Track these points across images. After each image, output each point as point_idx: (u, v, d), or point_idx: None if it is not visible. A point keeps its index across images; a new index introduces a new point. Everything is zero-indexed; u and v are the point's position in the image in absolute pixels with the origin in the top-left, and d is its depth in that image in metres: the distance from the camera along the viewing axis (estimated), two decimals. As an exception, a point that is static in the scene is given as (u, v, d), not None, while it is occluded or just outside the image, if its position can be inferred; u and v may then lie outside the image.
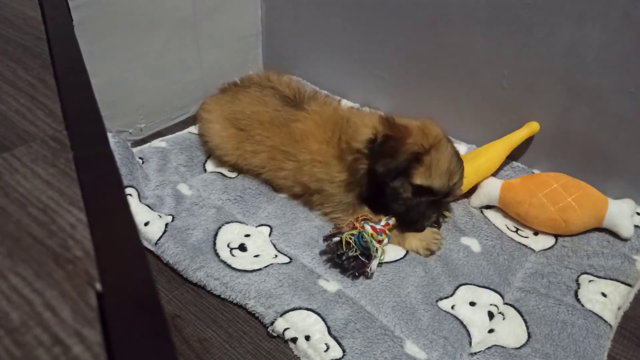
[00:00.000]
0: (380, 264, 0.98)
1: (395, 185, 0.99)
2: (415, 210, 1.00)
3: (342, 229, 0.97)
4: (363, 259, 0.93)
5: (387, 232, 0.99)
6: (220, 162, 1.24)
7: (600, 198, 1.04)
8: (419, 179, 0.97)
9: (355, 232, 0.94)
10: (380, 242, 0.96)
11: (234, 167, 1.22)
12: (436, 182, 0.97)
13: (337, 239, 0.95)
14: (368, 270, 0.94)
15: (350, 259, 0.93)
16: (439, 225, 1.07)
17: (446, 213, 1.10)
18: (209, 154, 1.28)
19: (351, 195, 1.04)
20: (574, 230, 1.04)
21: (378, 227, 0.97)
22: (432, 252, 1.01)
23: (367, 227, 0.96)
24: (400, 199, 0.99)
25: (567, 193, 1.03)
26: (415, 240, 1.02)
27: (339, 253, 0.94)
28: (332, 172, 1.04)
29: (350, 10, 1.38)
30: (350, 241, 0.93)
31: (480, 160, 1.13)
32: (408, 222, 1.02)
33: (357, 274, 0.95)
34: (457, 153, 1.03)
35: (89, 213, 0.31)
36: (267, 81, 1.23)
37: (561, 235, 1.06)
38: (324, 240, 0.98)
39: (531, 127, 1.17)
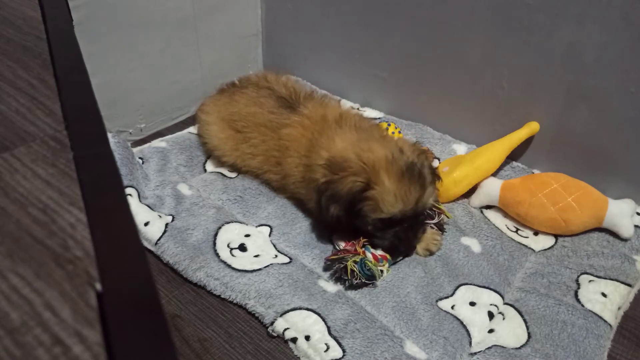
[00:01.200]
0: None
1: (361, 224, 0.95)
2: (396, 240, 0.96)
3: (344, 253, 0.95)
4: (367, 282, 0.93)
5: (387, 257, 0.97)
6: (220, 163, 1.24)
7: (600, 198, 1.04)
8: (373, 214, 0.92)
9: (357, 259, 0.93)
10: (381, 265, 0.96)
11: (233, 168, 1.22)
12: (392, 211, 0.91)
13: (341, 265, 0.93)
14: (370, 286, 0.94)
15: (354, 285, 0.93)
16: (442, 229, 1.06)
17: (448, 215, 1.10)
18: (209, 154, 1.28)
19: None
20: (574, 230, 1.04)
21: (378, 253, 0.96)
22: (431, 253, 1.01)
23: (369, 255, 0.95)
24: (376, 235, 0.96)
25: (567, 193, 1.03)
26: None
27: (343, 278, 0.93)
28: (306, 195, 1.04)
29: (350, 10, 1.38)
30: (355, 269, 0.92)
31: (480, 161, 1.13)
32: (398, 251, 0.98)
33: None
34: (410, 168, 0.92)
35: (89, 213, 0.31)
36: (265, 81, 1.23)
37: (561, 235, 1.06)
38: (326, 260, 0.97)
39: (531, 127, 1.17)
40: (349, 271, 0.92)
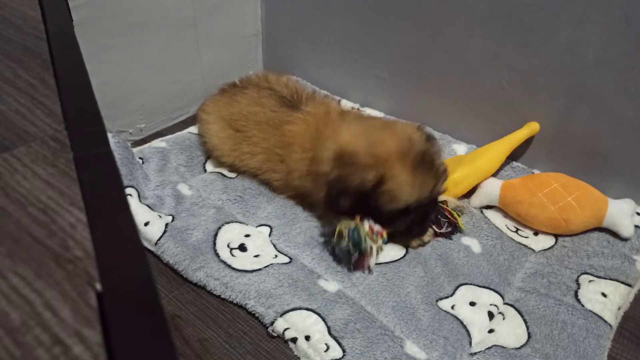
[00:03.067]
0: (378, 263, 0.98)
1: (374, 213, 0.93)
2: (412, 226, 0.98)
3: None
4: (354, 254, 0.92)
5: (383, 235, 0.95)
6: (219, 163, 1.24)
7: (600, 198, 1.04)
8: (389, 205, 0.91)
9: (352, 225, 0.92)
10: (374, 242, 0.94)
11: (232, 168, 1.22)
12: (408, 200, 0.91)
13: (331, 228, 0.94)
14: (364, 266, 0.93)
15: (343, 251, 0.93)
16: (448, 237, 1.05)
17: (461, 225, 1.06)
18: (209, 154, 1.28)
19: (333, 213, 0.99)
20: (574, 229, 1.04)
21: (376, 228, 0.93)
22: (423, 244, 1.02)
23: (365, 225, 0.92)
24: (394, 223, 0.96)
25: (567, 192, 1.03)
26: None
27: (332, 242, 0.93)
28: (311, 187, 1.04)
29: (350, 10, 1.38)
30: (344, 233, 0.90)
31: (481, 162, 1.13)
32: (411, 235, 1.01)
33: (352, 268, 0.94)
34: (422, 158, 0.92)
35: (89, 213, 0.31)
36: (266, 82, 1.23)
37: (561, 235, 1.06)
38: (322, 226, 0.97)
39: (531, 127, 1.17)
40: (336, 234, 0.90)
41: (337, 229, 0.91)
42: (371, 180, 0.90)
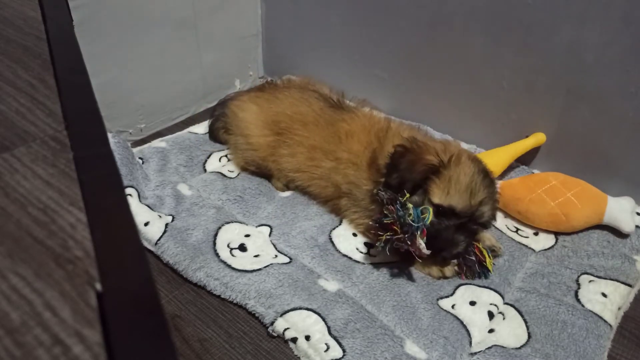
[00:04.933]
0: (378, 263, 0.98)
1: (414, 203, 0.90)
2: (441, 236, 0.90)
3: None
4: (419, 225, 0.87)
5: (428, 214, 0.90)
6: (247, 163, 1.21)
7: (599, 194, 1.05)
8: (437, 197, 0.89)
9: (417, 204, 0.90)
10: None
11: (263, 168, 1.19)
12: (455, 199, 0.88)
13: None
14: (417, 245, 0.87)
15: (406, 223, 0.87)
16: (474, 276, 0.96)
17: (489, 265, 0.97)
18: (210, 154, 1.28)
19: (375, 205, 0.98)
20: (576, 225, 1.04)
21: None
22: (444, 277, 0.97)
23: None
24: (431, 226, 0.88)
25: (566, 189, 1.03)
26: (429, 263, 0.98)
27: (397, 212, 0.88)
28: (361, 178, 1.01)
29: (350, 10, 1.38)
30: (410, 209, 0.87)
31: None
32: (435, 250, 0.90)
33: (408, 243, 0.88)
34: (483, 171, 0.92)
35: (89, 213, 0.31)
36: (309, 85, 1.21)
37: (561, 235, 1.06)
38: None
39: (537, 138, 1.17)
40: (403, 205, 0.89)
41: (405, 201, 0.89)
42: (438, 160, 0.91)
